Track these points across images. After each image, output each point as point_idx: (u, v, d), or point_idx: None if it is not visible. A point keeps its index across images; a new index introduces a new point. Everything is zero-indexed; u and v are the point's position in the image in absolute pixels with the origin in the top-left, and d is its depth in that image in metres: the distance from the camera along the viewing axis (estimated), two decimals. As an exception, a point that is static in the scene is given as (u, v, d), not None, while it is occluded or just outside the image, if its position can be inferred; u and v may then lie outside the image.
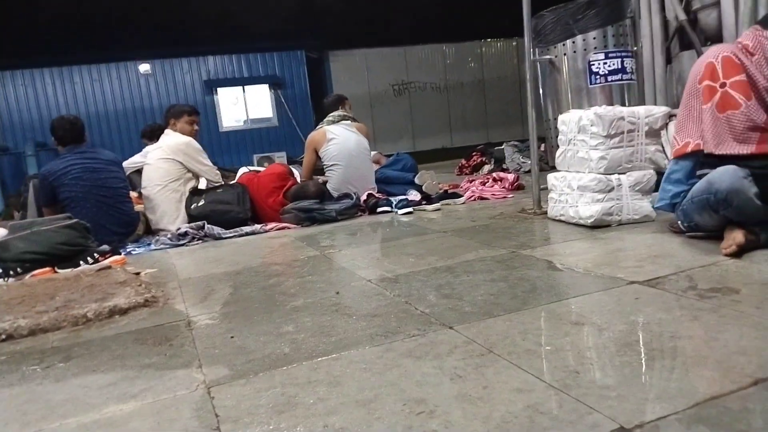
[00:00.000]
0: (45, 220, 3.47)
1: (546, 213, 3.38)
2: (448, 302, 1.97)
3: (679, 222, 2.58)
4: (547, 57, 5.33)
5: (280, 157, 10.32)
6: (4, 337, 2.03)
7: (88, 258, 3.30)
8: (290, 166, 4.91)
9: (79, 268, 3.13)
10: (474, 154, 7.38)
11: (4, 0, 9.86)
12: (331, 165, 4.65)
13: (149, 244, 3.87)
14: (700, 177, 2.44)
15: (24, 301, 2.44)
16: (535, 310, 1.82)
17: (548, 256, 2.50)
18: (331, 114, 4.95)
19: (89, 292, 2.47)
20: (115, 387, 1.54)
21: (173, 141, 4.31)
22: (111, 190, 3.91)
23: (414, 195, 4.52)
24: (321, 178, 4.69)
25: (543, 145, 6.05)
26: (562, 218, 3.18)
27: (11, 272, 3.12)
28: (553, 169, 3.44)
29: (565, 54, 5.32)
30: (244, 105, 11.29)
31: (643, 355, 1.42)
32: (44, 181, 3.86)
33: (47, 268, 3.15)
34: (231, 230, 3.94)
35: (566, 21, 5.22)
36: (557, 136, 3.40)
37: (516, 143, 6.98)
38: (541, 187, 3.59)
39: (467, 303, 1.93)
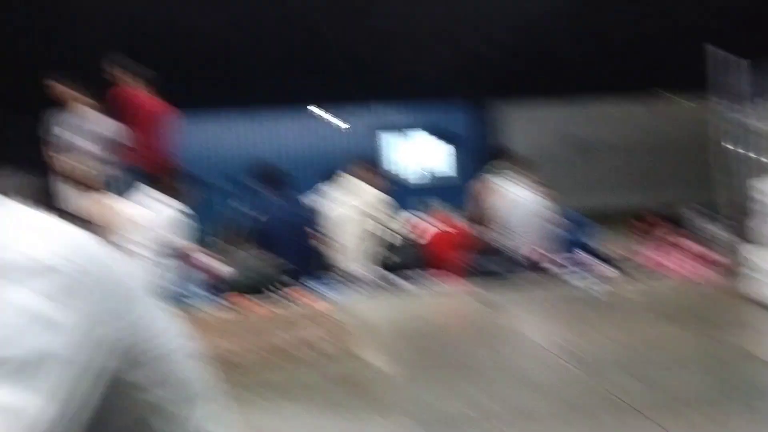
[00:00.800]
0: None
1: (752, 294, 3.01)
2: (645, 388, 1.83)
3: None
4: (744, 118, 4.89)
5: (444, 208, 10.47)
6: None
7: (278, 290, 3.62)
8: (458, 218, 5.00)
9: (270, 301, 3.43)
10: (654, 217, 6.89)
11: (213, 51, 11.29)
12: (500, 219, 4.63)
13: (331, 284, 4.14)
14: None
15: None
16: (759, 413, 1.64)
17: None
18: (501, 167, 4.96)
19: (282, 324, 2.69)
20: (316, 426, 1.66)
21: (362, 190, 4.63)
22: (300, 230, 4.29)
23: (589, 257, 4.34)
24: (489, 231, 4.68)
25: (739, 215, 5.48)
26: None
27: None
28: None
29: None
30: (414, 154, 11.71)
31: None
32: (256, 222, 4.35)
33: (241, 295, 3.51)
34: (409, 281, 4.11)
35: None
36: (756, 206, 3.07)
37: (704, 209, 6.41)
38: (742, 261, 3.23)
39: (670, 392, 1.79)
